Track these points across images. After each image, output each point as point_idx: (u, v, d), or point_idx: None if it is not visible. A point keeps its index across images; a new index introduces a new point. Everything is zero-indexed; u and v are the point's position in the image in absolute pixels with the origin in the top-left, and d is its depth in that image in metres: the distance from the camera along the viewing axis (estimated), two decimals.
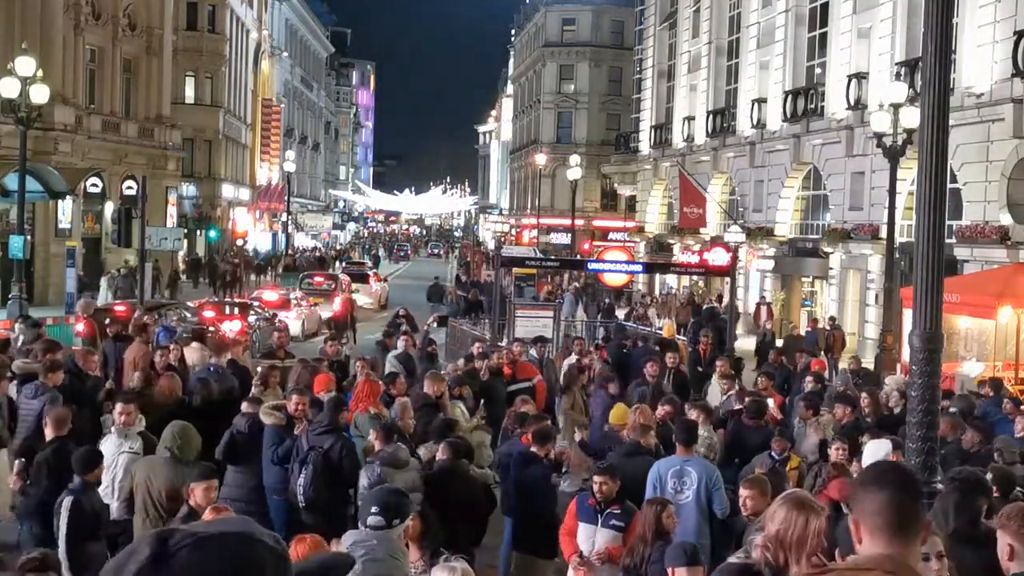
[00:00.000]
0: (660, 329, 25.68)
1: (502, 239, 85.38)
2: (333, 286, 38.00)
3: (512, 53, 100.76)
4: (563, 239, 64.71)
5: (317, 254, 68.61)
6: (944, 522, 6.39)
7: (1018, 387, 18.72)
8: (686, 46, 47.07)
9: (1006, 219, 23.58)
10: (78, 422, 10.09)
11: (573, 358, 17.55)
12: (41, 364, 11.73)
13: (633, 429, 10.43)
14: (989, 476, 7.66)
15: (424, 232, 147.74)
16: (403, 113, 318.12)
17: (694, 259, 37.93)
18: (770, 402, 13.15)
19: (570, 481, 11.08)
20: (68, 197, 34.97)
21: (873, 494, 3.02)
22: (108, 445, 9.22)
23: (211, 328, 20.66)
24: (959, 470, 7.29)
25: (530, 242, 69.13)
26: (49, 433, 9.04)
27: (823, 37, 34.05)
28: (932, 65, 7.77)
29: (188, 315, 25.14)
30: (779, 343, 26.37)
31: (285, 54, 79.76)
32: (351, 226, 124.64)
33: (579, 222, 59.38)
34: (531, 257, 44.99)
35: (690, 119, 45.37)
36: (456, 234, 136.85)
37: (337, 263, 63.59)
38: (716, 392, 15.04)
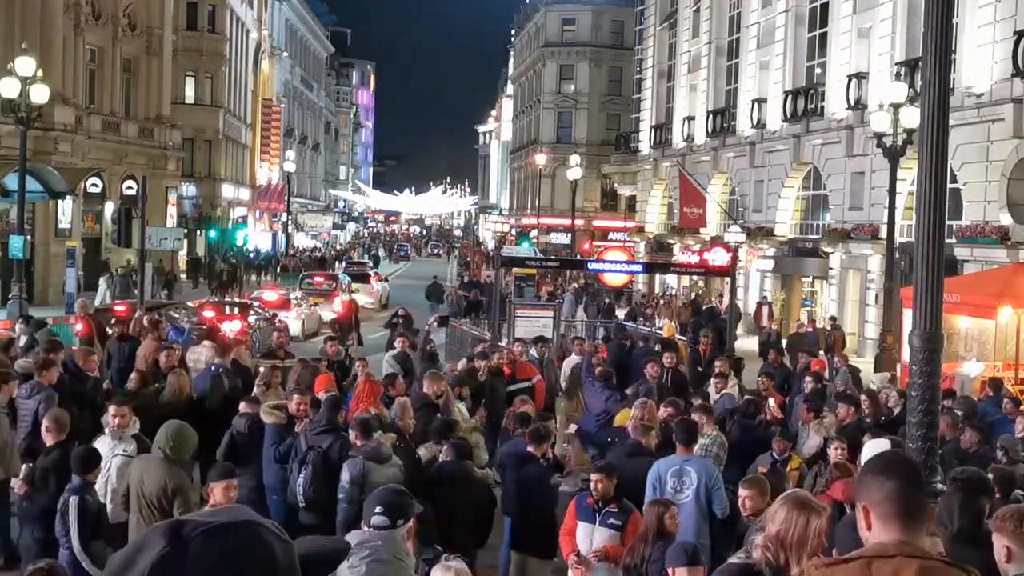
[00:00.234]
0: (660, 329, 25.68)
1: (503, 239, 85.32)
2: (333, 286, 38.02)
3: (512, 53, 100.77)
4: (563, 239, 64.73)
5: (317, 254, 68.63)
6: (948, 522, 6.38)
7: (1018, 387, 18.71)
8: (686, 46, 47.05)
9: (1006, 219, 23.59)
10: (79, 423, 10.07)
11: (574, 359, 17.52)
12: (34, 362, 11.58)
13: (635, 427, 10.40)
14: (990, 476, 7.65)
15: (424, 232, 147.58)
16: (403, 113, 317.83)
17: (694, 259, 37.91)
18: (771, 401, 13.13)
19: (571, 482, 11.08)
20: (68, 197, 34.99)
21: (881, 483, 3.07)
22: (102, 447, 9.08)
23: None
24: (962, 470, 7.26)
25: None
26: (50, 439, 8.91)
27: (823, 37, 34.04)
28: (932, 65, 7.78)
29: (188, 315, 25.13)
30: (784, 341, 26.42)
31: (285, 54, 79.73)
32: (351, 226, 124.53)
33: (579, 222, 59.42)
34: (531, 257, 45.00)
35: (690, 119, 45.35)
36: (456, 234, 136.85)
37: (338, 263, 63.58)
38: (715, 392, 15.00)
